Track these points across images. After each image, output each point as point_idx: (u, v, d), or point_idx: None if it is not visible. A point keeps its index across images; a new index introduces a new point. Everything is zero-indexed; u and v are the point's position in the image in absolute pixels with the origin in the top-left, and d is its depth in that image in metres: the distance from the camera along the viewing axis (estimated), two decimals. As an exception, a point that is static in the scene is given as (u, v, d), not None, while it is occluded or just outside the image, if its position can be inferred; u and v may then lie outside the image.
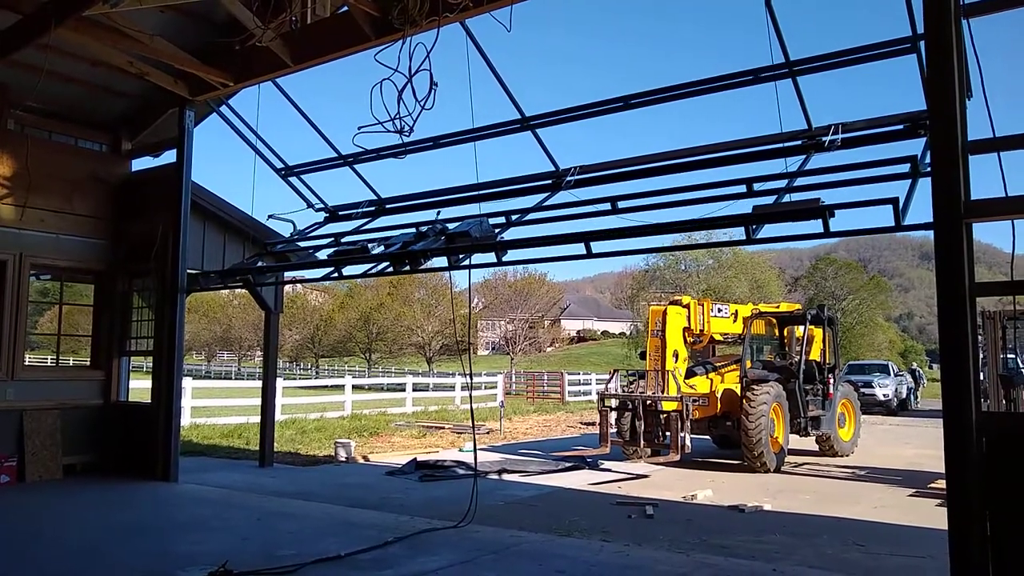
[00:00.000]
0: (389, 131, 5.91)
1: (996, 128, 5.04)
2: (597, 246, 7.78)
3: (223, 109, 11.50)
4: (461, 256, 8.86)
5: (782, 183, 7.82)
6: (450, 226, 9.35)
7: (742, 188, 7.96)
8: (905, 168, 6.99)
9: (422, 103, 5.75)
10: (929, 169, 5.15)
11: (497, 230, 9.12)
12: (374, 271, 9.87)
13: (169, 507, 8.94)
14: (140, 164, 12.23)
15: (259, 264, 10.68)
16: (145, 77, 10.20)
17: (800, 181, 7.87)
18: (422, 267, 9.34)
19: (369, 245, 9.85)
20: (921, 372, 39.50)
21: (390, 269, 9.40)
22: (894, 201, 6.15)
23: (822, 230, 6.73)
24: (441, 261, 9.26)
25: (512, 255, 8.72)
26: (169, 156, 11.49)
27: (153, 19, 9.56)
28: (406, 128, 5.95)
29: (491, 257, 8.74)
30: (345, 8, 8.77)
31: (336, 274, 10.14)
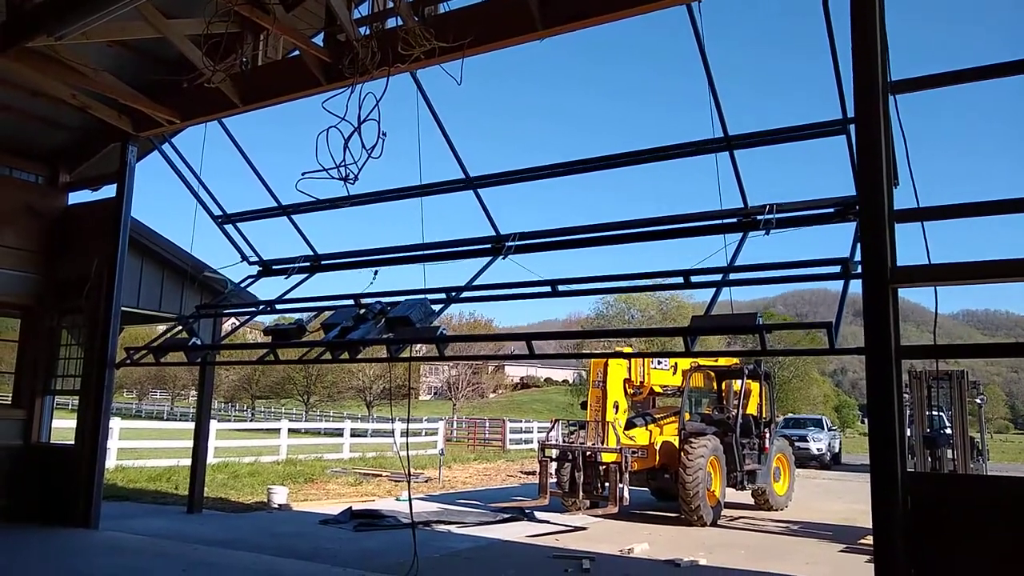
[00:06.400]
0: (334, 178, 5.90)
1: (920, 202, 5.32)
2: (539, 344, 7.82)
3: (165, 148, 11.24)
4: (401, 344, 8.70)
5: (718, 276, 7.74)
6: (389, 301, 9.10)
7: (679, 280, 8.02)
8: (836, 269, 7.04)
9: (370, 151, 5.78)
10: (860, 270, 5.37)
11: (437, 307, 8.94)
12: (311, 358, 9.60)
13: (85, 557, 8.51)
14: (78, 197, 11.92)
15: (193, 342, 10.33)
16: (87, 110, 10.02)
17: (738, 270, 7.80)
18: (360, 356, 9.12)
19: (303, 317, 9.63)
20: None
21: (327, 355, 9.15)
22: (828, 325, 6.27)
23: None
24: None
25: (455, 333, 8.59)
26: (108, 191, 11.24)
27: (100, 53, 9.44)
28: (351, 176, 5.96)
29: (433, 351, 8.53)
30: (296, 52, 8.80)
31: (271, 356, 9.76)
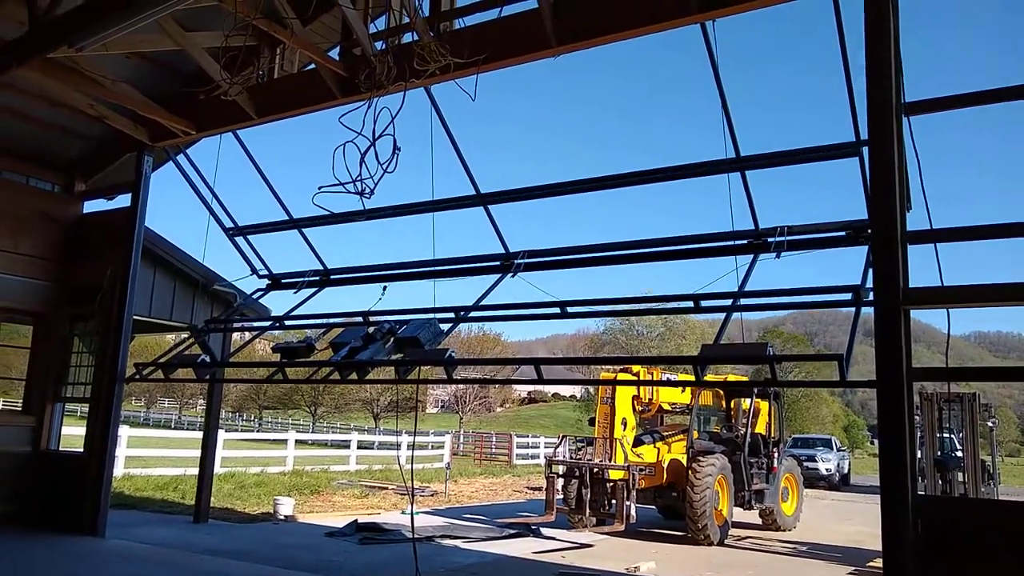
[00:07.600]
0: (350, 192, 5.95)
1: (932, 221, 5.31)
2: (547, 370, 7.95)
3: (180, 159, 11.28)
4: (409, 366, 8.72)
5: (728, 301, 7.73)
6: (397, 320, 9.11)
7: (689, 304, 8.06)
8: (848, 296, 6.99)
9: (385, 166, 5.82)
10: (871, 297, 5.34)
11: (446, 327, 8.93)
12: (319, 377, 9.60)
13: (91, 565, 8.53)
14: (93, 206, 12.02)
15: (202, 359, 10.35)
16: (104, 120, 10.12)
17: (748, 295, 7.78)
18: (369, 376, 9.07)
19: (312, 335, 9.63)
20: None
21: (336, 375, 9.08)
22: (839, 358, 6.20)
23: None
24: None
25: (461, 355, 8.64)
26: (123, 200, 11.33)
27: (118, 64, 9.55)
28: (367, 190, 6.00)
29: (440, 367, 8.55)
30: (312, 66, 8.88)
31: (280, 374, 9.72)
